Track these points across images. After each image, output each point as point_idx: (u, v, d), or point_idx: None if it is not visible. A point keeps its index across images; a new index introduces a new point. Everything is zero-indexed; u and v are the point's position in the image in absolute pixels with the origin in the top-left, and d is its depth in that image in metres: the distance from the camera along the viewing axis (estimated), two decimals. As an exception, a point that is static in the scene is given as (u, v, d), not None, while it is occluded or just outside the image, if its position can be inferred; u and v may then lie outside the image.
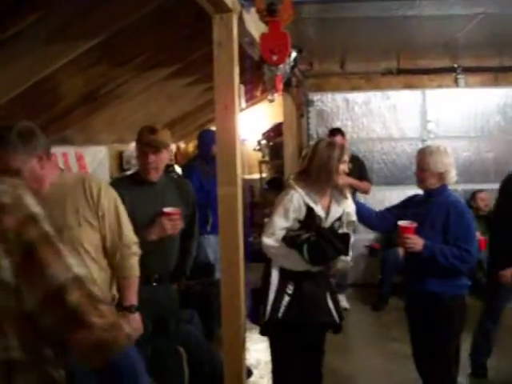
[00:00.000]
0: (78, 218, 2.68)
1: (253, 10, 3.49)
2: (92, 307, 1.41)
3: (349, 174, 6.07)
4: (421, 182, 3.62)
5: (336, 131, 6.39)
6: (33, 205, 1.55)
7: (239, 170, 2.97)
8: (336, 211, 3.43)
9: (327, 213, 3.39)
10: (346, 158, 3.42)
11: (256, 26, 3.86)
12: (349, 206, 3.52)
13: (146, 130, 3.35)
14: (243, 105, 3.05)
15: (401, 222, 3.46)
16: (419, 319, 3.59)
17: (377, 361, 5.01)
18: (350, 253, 3.35)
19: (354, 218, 3.56)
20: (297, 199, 3.32)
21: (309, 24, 5.42)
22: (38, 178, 2.56)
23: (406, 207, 3.80)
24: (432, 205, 3.56)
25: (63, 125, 4.62)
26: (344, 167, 3.40)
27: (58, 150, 4.94)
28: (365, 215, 3.79)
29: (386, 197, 7.42)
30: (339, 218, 3.46)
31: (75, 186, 2.74)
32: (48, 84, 3.78)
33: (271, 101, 3.35)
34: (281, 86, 3.29)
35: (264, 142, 9.19)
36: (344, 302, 6.30)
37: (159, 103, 5.98)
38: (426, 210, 3.56)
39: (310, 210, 3.32)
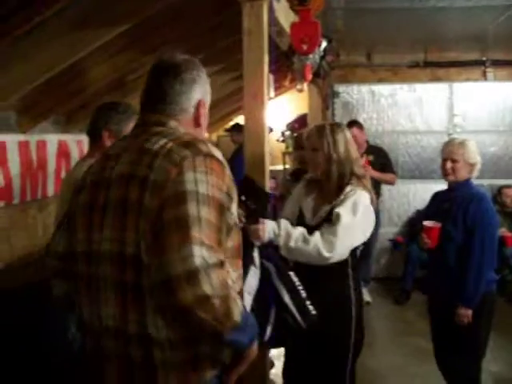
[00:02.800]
0: None
1: (283, -2, 3.47)
2: (200, 304, 1.49)
3: (371, 166, 6.13)
4: (450, 175, 3.49)
5: (352, 123, 6.31)
6: (189, 182, 1.58)
7: (267, 160, 2.95)
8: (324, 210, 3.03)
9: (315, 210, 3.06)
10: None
11: (285, 15, 3.83)
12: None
13: None
14: (272, 94, 3.01)
15: (426, 222, 3.41)
16: (445, 317, 3.49)
17: (398, 355, 4.97)
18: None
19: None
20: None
21: (336, 14, 5.38)
22: None
23: (430, 206, 3.77)
24: (454, 200, 3.48)
25: (88, 112, 4.62)
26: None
27: (84, 138, 4.96)
28: None
29: (410, 190, 7.39)
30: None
31: None
32: (75, 71, 3.79)
33: (300, 90, 3.33)
34: (310, 76, 3.27)
35: (288, 133, 9.12)
36: (366, 295, 6.26)
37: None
38: (449, 206, 3.50)
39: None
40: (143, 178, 1.62)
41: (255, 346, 1.73)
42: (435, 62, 7.45)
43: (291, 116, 9.15)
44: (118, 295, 1.66)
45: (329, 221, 2.76)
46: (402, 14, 5.31)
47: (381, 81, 7.59)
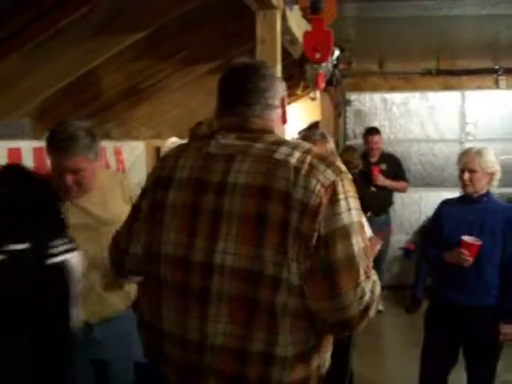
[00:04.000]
0: (119, 215, 2.66)
1: (295, 7, 3.49)
2: (363, 325, 1.62)
3: (384, 174, 6.15)
4: (469, 186, 3.38)
5: (373, 130, 6.39)
6: (345, 212, 1.58)
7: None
8: None
9: None
10: None
11: (297, 24, 3.86)
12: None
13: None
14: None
15: (466, 238, 3.24)
16: (477, 331, 3.40)
17: (408, 364, 4.94)
18: None
19: (370, 232, 3.34)
20: None
21: (348, 23, 5.39)
22: (95, 174, 2.60)
23: (443, 216, 3.59)
24: (484, 212, 3.36)
25: (104, 119, 4.66)
26: None
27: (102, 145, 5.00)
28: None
29: (422, 198, 7.38)
30: None
31: (113, 185, 2.75)
32: (91, 77, 3.83)
33: (313, 99, 3.35)
34: (323, 84, 3.28)
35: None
36: (379, 304, 6.24)
37: (198, 99, 6.00)
38: (473, 218, 3.37)
39: None
40: (285, 194, 1.54)
41: None
42: (447, 70, 7.44)
43: (303, 124, 9.16)
44: (240, 312, 1.58)
45: None
46: (414, 22, 5.31)
47: (393, 89, 7.59)
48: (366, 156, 6.32)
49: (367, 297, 1.55)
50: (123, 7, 3.13)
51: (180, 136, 5.19)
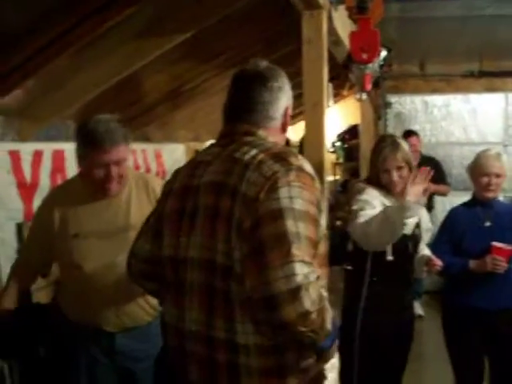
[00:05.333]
0: (141, 220, 2.60)
1: (340, 7, 3.44)
2: (300, 320, 1.51)
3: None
4: (494, 191, 3.33)
5: (410, 133, 6.27)
6: (284, 198, 1.59)
7: (326, 170, 2.93)
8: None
9: None
10: (392, 165, 2.98)
11: (341, 25, 3.80)
12: (423, 213, 3.26)
13: None
14: (331, 103, 2.98)
15: (497, 244, 3.18)
16: (497, 337, 3.36)
17: (449, 372, 4.85)
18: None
19: (430, 224, 3.39)
20: (372, 194, 3.00)
21: (389, 23, 5.31)
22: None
23: (456, 224, 3.50)
24: (498, 216, 3.34)
25: (145, 121, 4.69)
26: (390, 176, 2.99)
27: (137, 147, 5.01)
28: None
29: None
30: (418, 225, 3.18)
31: (138, 186, 2.64)
32: (132, 80, 3.84)
33: (360, 100, 3.29)
34: (370, 86, 3.23)
35: (339, 143, 9.09)
36: (418, 308, 6.14)
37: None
38: (494, 223, 3.33)
39: None
40: (233, 188, 1.64)
41: (335, 347, 1.79)
42: (490, 72, 7.29)
43: (342, 126, 9.11)
44: (204, 301, 1.69)
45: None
46: (457, 22, 5.22)
47: (434, 91, 7.47)
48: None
49: (299, 278, 1.49)
50: (166, 10, 3.13)
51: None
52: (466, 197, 7.16)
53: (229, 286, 1.63)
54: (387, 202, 3.00)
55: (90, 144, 2.42)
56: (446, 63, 7.31)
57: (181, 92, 4.50)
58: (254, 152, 1.69)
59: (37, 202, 3.70)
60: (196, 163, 1.86)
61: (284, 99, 1.84)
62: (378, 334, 3.06)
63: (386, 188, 3.04)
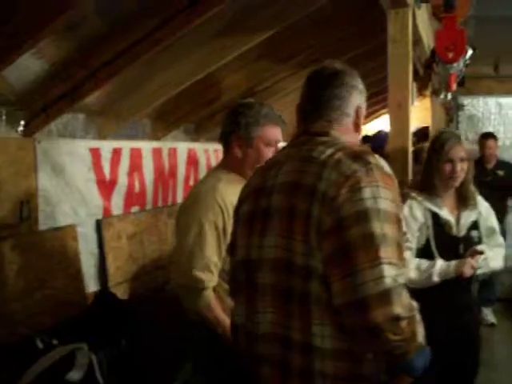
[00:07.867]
0: None
1: (423, 6, 3.37)
2: (390, 325, 1.47)
3: (501, 181, 5.88)
4: None
5: (489, 135, 6.14)
6: (368, 199, 1.56)
7: (411, 170, 2.87)
8: (468, 216, 2.94)
9: (457, 218, 2.93)
10: (457, 155, 2.84)
11: (422, 24, 3.73)
12: (484, 211, 3.04)
13: None
14: (416, 103, 2.92)
15: None
16: None
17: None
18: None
19: (495, 224, 3.09)
20: (413, 207, 2.89)
21: (462, 23, 5.18)
22: None
23: None
24: None
25: (220, 121, 4.70)
26: (453, 167, 2.84)
27: (210, 147, 5.04)
28: None
29: (539, 208, 7.00)
30: (475, 226, 2.97)
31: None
32: (209, 80, 3.86)
33: (444, 100, 3.21)
34: (455, 86, 3.15)
35: (406, 146, 8.95)
36: (490, 316, 5.99)
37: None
38: None
39: (435, 216, 2.89)
40: (311, 188, 1.61)
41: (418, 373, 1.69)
42: None
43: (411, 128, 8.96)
44: (279, 302, 1.66)
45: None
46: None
47: (509, 93, 7.27)
48: (480, 162, 6.04)
49: (388, 280, 1.46)
50: (248, 8, 3.12)
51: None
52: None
53: (308, 287, 1.59)
54: (433, 208, 2.88)
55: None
56: (521, 64, 7.11)
57: (256, 92, 4.50)
58: (330, 151, 1.67)
59: (115, 199, 3.78)
60: (270, 164, 1.87)
61: (357, 96, 1.84)
62: (430, 336, 2.91)
63: (436, 190, 2.89)
